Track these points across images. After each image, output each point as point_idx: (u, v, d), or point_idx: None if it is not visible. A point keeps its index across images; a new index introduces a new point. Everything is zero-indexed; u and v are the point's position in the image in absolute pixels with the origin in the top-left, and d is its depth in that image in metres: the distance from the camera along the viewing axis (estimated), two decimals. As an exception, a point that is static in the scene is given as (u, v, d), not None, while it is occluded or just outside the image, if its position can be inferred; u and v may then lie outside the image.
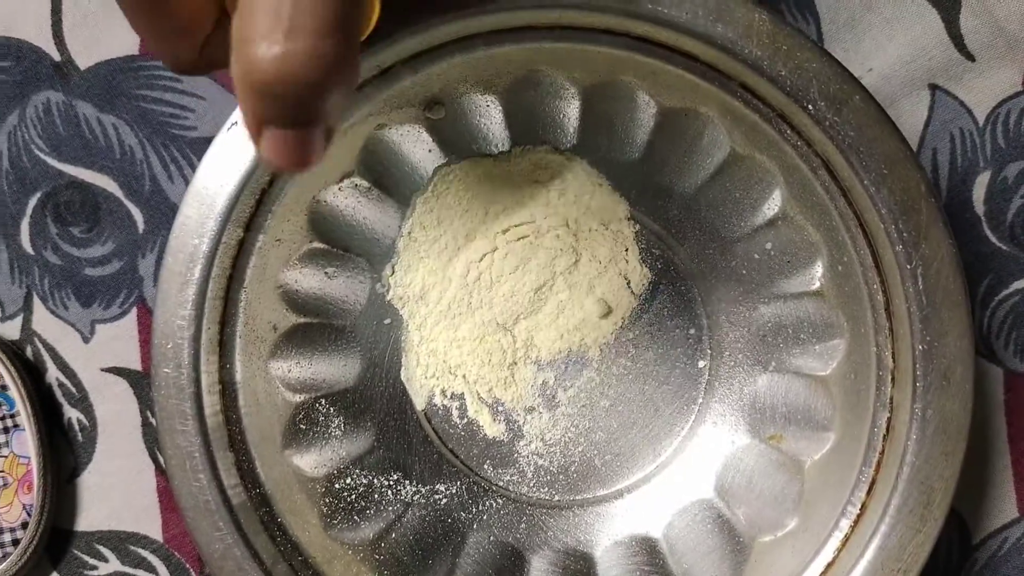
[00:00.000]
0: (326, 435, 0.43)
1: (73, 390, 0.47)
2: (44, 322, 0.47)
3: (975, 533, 0.45)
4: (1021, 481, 0.45)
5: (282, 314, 0.42)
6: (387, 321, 0.45)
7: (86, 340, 0.47)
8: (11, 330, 0.47)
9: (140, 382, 0.47)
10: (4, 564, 0.45)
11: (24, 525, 0.45)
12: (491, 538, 0.45)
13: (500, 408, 0.46)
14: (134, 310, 0.47)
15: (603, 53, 0.39)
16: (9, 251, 0.47)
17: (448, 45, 0.39)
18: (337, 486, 0.43)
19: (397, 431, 0.45)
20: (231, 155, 0.39)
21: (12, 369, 0.45)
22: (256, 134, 0.26)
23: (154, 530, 0.46)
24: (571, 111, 0.43)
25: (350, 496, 0.43)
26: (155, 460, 0.47)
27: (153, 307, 0.40)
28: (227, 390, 0.40)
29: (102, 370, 0.47)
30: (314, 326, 0.43)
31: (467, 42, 0.39)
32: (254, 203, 0.40)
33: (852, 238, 0.39)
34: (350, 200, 0.43)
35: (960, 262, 0.37)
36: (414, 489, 0.45)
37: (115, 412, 0.47)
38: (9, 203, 0.47)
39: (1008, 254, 0.46)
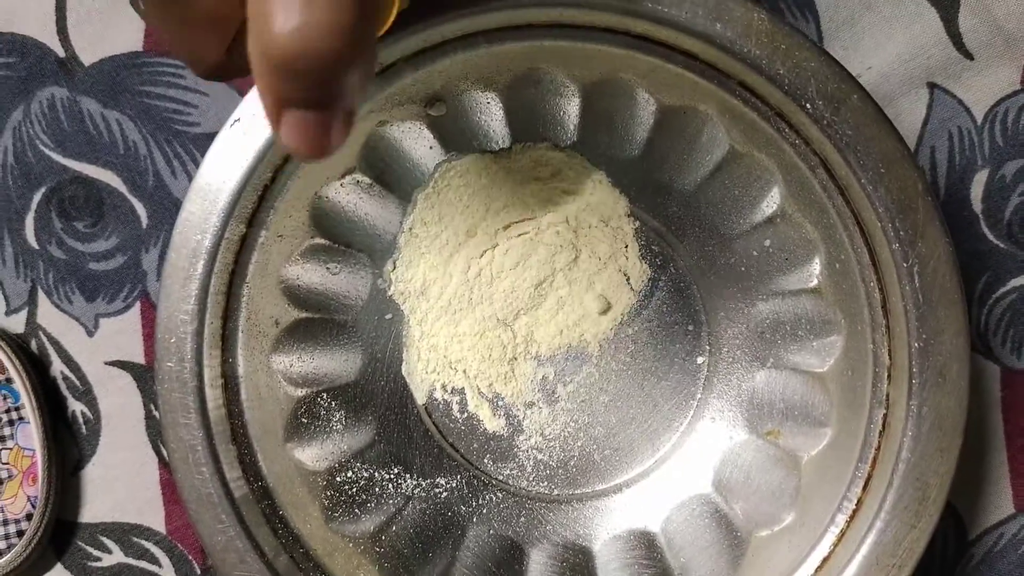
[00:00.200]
0: (327, 429, 0.44)
1: (77, 383, 0.47)
2: (49, 316, 0.47)
3: (971, 529, 0.46)
4: (1017, 477, 0.46)
5: (284, 309, 0.42)
6: (388, 316, 0.46)
7: (90, 334, 0.47)
8: (16, 324, 0.47)
9: (143, 376, 0.47)
10: (9, 555, 0.45)
11: (29, 516, 0.45)
12: (491, 531, 0.45)
13: (500, 403, 0.46)
14: (138, 304, 0.47)
15: (603, 51, 0.39)
16: (14, 246, 0.47)
17: (450, 43, 0.39)
18: (338, 479, 0.43)
19: (398, 425, 0.46)
20: (234, 151, 0.39)
21: (17, 362, 0.46)
22: (275, 118, 0.26)
23: (157, 522, 0.47)
24: (571, 108, 0.43)
25: (351, 489, 0.44)
26: (158, 453, 0.47)
27: (156, 302, 0.40)
28: (229, 384, 0.41)
29: (106, 364, 0.47)
30: (316, 321, 0.44)
31: (469, 40, 0.39)
32: (256, 199, 0.40)
33: (849, 236, 0.39)
34: (352, 196, 0.43)
35: (956, 260, 0.37)
36: (414, 483, 0.45)
37: (119, 405, 0.47)
38: (14, 198, 0.47)
39: (1005, 252, 0.46)
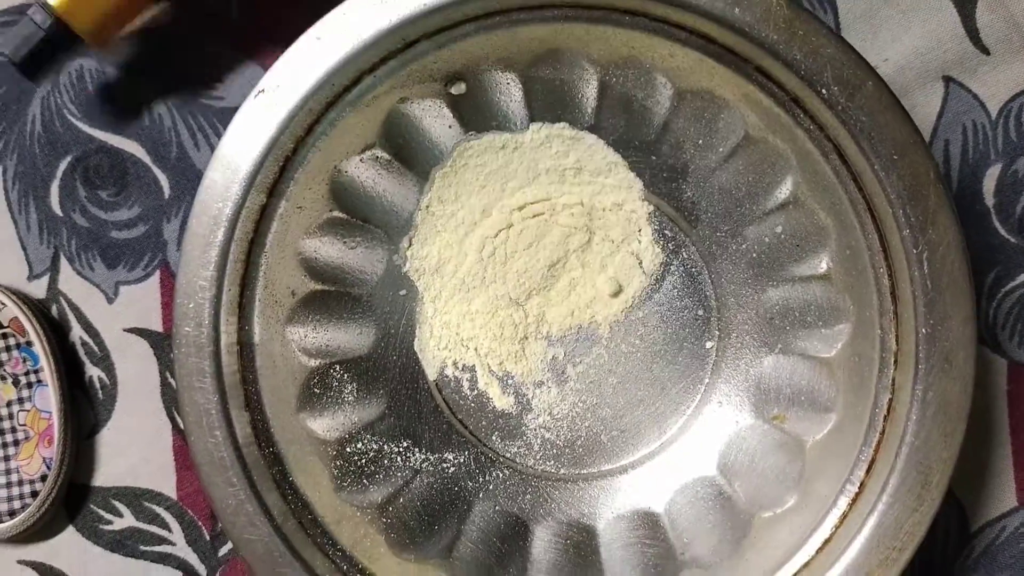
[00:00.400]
0: (339, 400, 0.44)
1: (96, 349, 0.48)
2: (70, 282, 0.48)
3: (973, 520, 0.46)
4: (1021, 471, 0.46)
5: (301, 280, 0.43)
6: (403, 292, 0.46)
7: (110, 301, 0.48)
8: (38, 289, 0.48)
9: (161, 343, 0.48)
10: (23, 515, 0.46)
11: (43, 478, 0.46)
12: (496, 507, 0.46)
13: (510, 381, 0.47)
14: (157, 273, 0.48)
15: (622, 34, 0.40)
16: (39, 212, 0.48)
17: (471, 21, 0.40)
18: (348, 450, 0.44)
19: (409, 400, 0.46)
20: (256, 123, 0.40)
21: (38, 326, 0.46)
22: None
23: (169, 488, 0.48)
24: (589, 91, 0.43)
25: (360, 460, 0.44)
26: (172, 420, 0.48)
27: (176, 269, 0.41)
28: (245, 351, 0.42)
29: (124, 330, 0.48)
30: (331, 294, 0.44)
31: (489, 19, 0.40)
32: (277, 170, 0.41)
33: (861, 222, 0.40)
34: (371, 171, 0.44)
35: (965, 248, 0.38)
36: (423, 457, 0.46)
37: (135, 372, 0.48)
38: (40, 166, 0.48)
39: (1016, 246, 0.46)
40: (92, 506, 0.48)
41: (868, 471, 0.39)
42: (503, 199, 0.46)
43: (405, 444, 0.45)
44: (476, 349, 0.46)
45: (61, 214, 0.48)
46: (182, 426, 0.41)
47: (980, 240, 0.46)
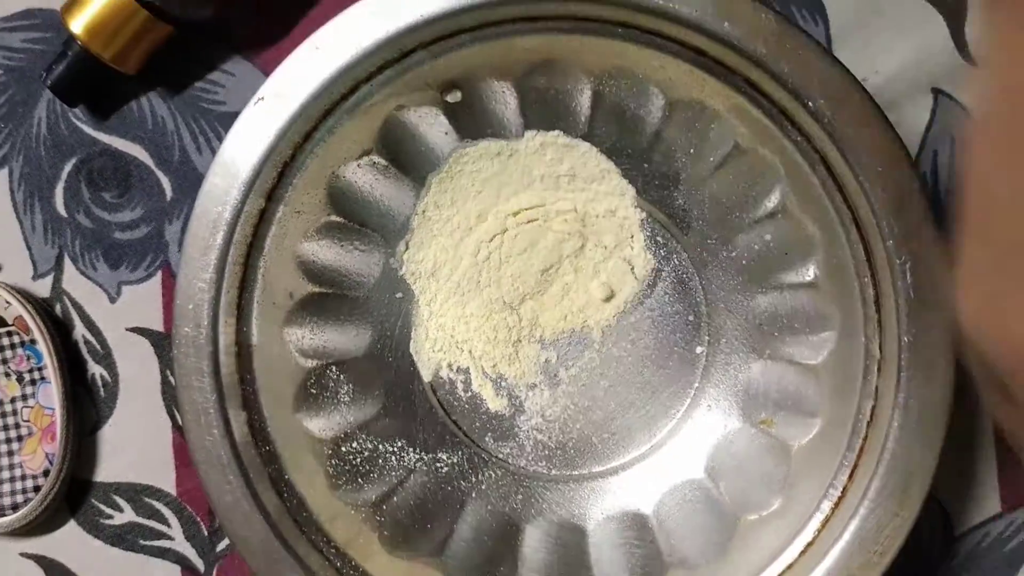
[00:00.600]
0: (335, 401, 0.45)
1: (98, 347, 0.49)
2: (73, 281, 0.49)
3: (957, 526, 0.47)
4: (1005, 478, 0.47)
5: (299, 283, 0.44)
6: (399, 295, 0.47)
7: (112, 300, 0.49)
8: (42, 288, 0.49)
9: (162, 342, 0.49)
10: (25, 509, 0.47)
11: (46, 473, 0.47)
12: (488, 507, 0.46)
13: (503, 383, 0.47)
14: (159, 274, 0.49)
15: (615, 46, 0.41)
16: (44, 213, 0.49)
17: (467, 32, 0.41)
18: (343, 449, 0.45)
19: (404, 400, 0.47)
20: (257, 128, 0.41)
21: (41, 325, 0.47)
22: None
23: (168, 484, 0.49)
24: (583, 100, 0.44)
25: (355, 460, 0.45)
26: (172, 418, 0.49)
27: (177, 270, 0.42)
28: (243, 352, 0.43)
29: (126, 330, 0.49)
30: (329, 296, 0.45)
31: (485, 30, 0.41)
32: (276, 175, 0.42)
33: (847, 233, 0.40)
34: (368, 177, 0.45)
35: (948, 259, 0.38)
36: (417, 457, 0.47)
37: (136, 370, 0.49)
38: (46, 167, 0.49)
39: (1002, 257, 0.47)
40: (93, 501, 0.49)
41: (851, 476, 0.40)
42: (498, 205, 0.46)
43: (400, 444, 0.46)
44: (470, 351, 0.47)
45: (65, 215, 0.49)
46: (181, 424, 0.42)
47: (967, 250, 0.47)
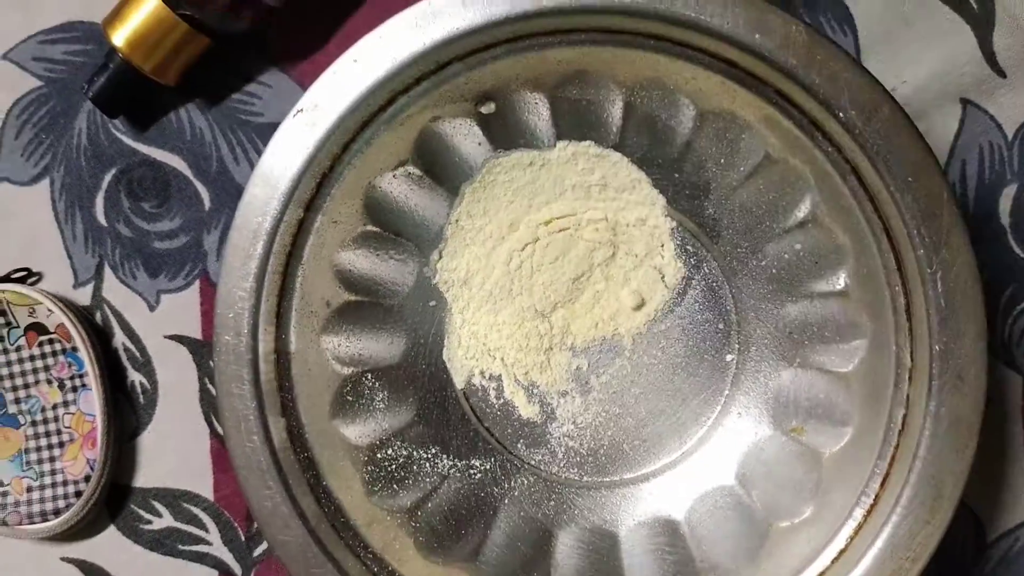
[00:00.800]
0: (371, 407, 0.46)
1: (137, 355, 0.50)
2: (113, 290, 0.50)
3: (990, 532, 0.47)
4: (1036, 485, 0.47)
5: (336, 291, 0.45)
6: (432, 303, 0.48)
7: (151, 308, 0.50)
8: (83, 296, 0.50)
9: (200, 350, 0.50)
10: (67, 514, 0.48)
11: (87, 478, 0.48)
12: (521, 513, 0.47)
13: (535, 391, 0.48)
14: (197, 282, 0.50)
15: (647, 57, 0.42)
16: (84, 222, 0.50)
17: (501, 44, 0.42)
18: (379, 456, 0.45)
19: (437, 408, 0.48)
20: (295, 140, 0.42)
21: (83, 332, 0.48)
22: None
23: (206, 490, 0.50)
24: (615, 111, 0.45)
25: (391, 466, 0.46)
26: (210, 424, 0.50)
27: (216, 280, 0.43)
28: (281, 359, 0.43)
29: (165, 337, 0.50)
30: (364, 304, 0.46)
31: (519, 42, 0.42)
32: (315, 186, 0.42)
33: (877, 242, 0.41)
34: (403, 187, 0.45)
35: (977, 267, 0.39)
36: (451, 463, 0.47)
37: (175, 377, 0.50)
38: (86, 177, 0.50)
39: (1032, 265, 0.47)
40: (132, 506, 0.50)
41: (883, 484, 0.40)
42: (530, 214, 0.47)
43: (434, 451, 0.47)
44: (503, 359, 0.48)
45: (106, 224, 0.50)
46: (221, 431, 0.43)
47: (996, 259, 0.47)
